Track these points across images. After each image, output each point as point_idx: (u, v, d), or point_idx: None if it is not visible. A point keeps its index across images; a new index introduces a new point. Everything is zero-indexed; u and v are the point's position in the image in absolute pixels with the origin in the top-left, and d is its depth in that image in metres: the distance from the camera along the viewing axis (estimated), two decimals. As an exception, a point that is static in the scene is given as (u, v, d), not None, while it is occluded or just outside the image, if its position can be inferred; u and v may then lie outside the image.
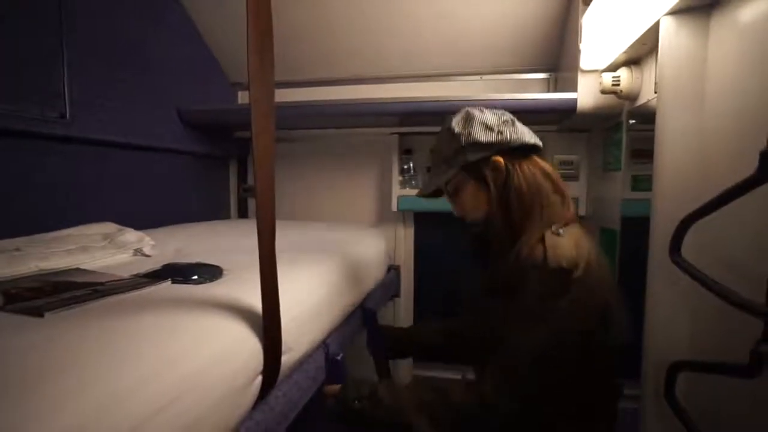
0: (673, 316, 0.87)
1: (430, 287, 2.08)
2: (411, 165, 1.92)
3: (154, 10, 1.63)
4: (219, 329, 0.67)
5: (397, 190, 1.92)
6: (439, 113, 1.64)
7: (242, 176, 2.20)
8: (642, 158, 1.44)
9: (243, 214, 2.21)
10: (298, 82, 2.00)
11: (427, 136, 1.95)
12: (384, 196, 2.02)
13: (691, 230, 0.80)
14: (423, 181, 1.95)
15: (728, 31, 0.85)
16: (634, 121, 1.29)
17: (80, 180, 1.32)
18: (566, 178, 1.87)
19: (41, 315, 0.63)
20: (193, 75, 1.85)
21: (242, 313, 0.72)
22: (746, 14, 0.80)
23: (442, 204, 1.85)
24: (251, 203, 2.20)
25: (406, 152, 1.94)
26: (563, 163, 1.84)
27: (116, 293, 0.76)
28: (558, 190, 0.89)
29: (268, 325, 0.70)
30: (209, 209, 2.00)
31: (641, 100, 1.21)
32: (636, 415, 1.03)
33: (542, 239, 0.82)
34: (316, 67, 2.00)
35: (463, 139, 0.90)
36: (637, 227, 1.26)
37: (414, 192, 1.92)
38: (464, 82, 1.93)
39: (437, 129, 1.95)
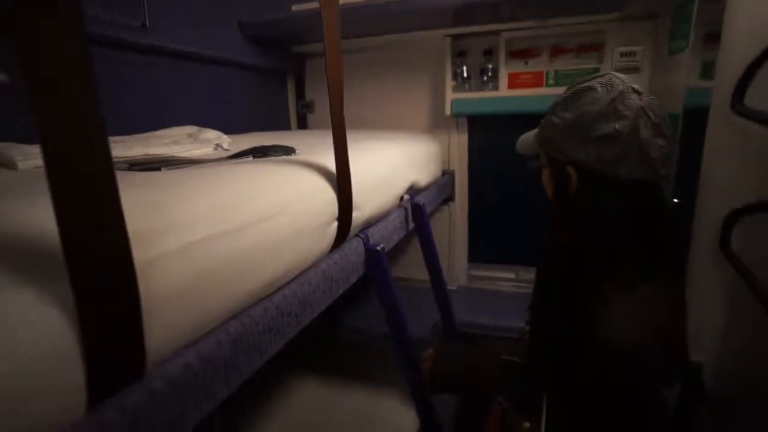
0: (732, 168, 0.87)
1: (483, 192, 2.13)
2: (464, 68, 1.90)
3: None
4: (301, 177, 0.79)
5: (450, 94, 1.92)
6: (493, 4, 1.59)
7: (300, 93, 2.29)
8: (714, 42, 1.34)
9: (302, 128, 2.33)
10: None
11: (480, 36, 1.90)
12: (437, 102, 2.03)
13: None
14: (475, 84, 1.94)
15: None
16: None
17: (158, 91, 1.45)
18: (627, 70, 1.77)
19: (159, 169, 0.78)
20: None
21: (318, 170, 0.84)
22: None
23: (495, 106, 1.87)
24: (310, 118, 2.31)
25: (459, 55, 1.92)
26: (624, 54, 1.75)
27: (213, 163, 0.90)
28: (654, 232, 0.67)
29: (341, 177, 0.81)
30: (271, 123, 2.12)
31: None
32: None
33: (602, 292, 0.65)
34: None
35: (550, 129, 0.74)
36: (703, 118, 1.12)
37: (468, 95, 1.92)
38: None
39: (491, 27, 1.87)
